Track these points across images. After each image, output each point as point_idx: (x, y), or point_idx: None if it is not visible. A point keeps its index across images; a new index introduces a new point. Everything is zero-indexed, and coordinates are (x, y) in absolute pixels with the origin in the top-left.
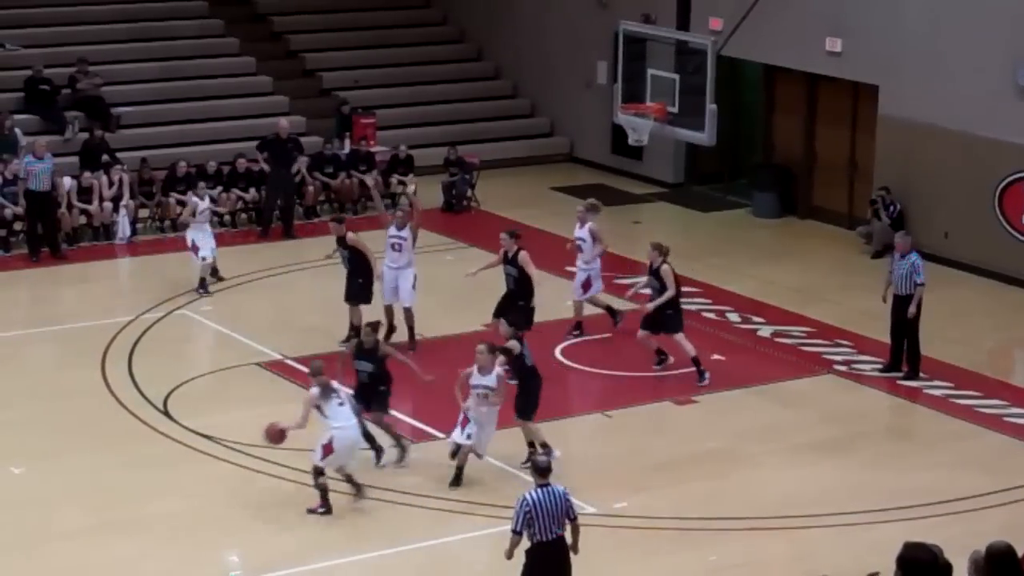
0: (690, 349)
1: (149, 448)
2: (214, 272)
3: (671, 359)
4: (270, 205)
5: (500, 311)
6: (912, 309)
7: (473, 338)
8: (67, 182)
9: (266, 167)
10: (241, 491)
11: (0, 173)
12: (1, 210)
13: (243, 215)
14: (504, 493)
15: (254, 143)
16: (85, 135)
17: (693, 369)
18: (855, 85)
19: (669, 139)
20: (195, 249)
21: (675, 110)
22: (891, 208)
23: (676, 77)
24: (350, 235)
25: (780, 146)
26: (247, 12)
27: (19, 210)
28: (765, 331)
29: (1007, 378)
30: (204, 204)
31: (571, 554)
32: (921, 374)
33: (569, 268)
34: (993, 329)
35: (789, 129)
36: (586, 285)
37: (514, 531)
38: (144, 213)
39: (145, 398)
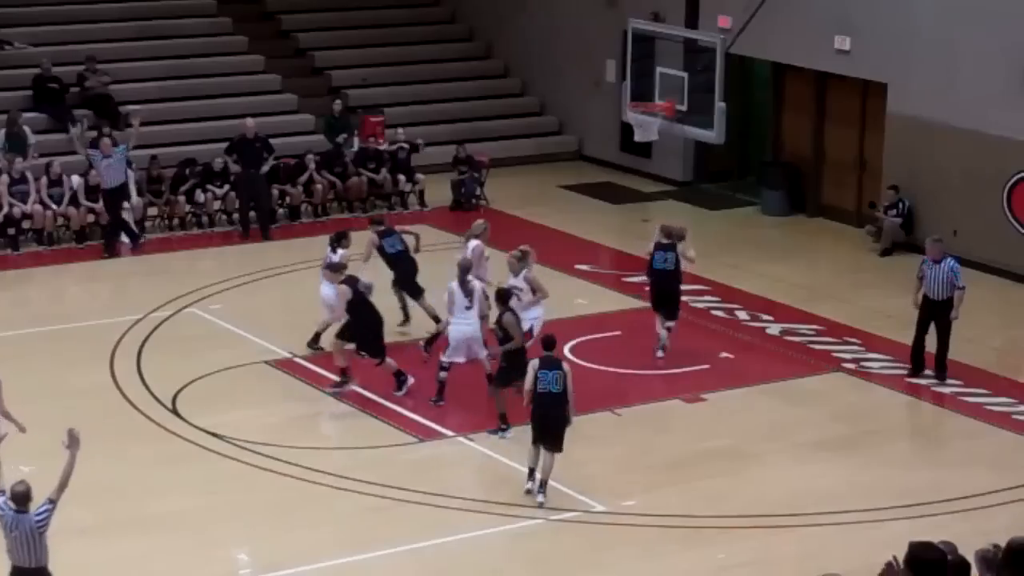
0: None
1: (158, 446)
2: None
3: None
4: (243, 207)
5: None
6: (955, 313)
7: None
8: (75, 180)
9: (235, 168)
10: (250, 490)
11: (7, 172)
12: (11, 209)
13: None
14: (516, 493)
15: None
16: (94, 133)
17: (706, 367)
18: (864, 83)
19: (678, 137)
20: None
21: (684, 108)
22: (900, 206)
23: (685, 75)
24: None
25: (789, 144)
26: (256, 10)
27: (27, 209)
28: (774, 329)
29: (1016, 376)
30: None
31: None
32: (927, 371)
33: (579, 266)
34: (1002, 327)
35: (798, 127)
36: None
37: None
38: (153, 211)
39: (154, 396)
